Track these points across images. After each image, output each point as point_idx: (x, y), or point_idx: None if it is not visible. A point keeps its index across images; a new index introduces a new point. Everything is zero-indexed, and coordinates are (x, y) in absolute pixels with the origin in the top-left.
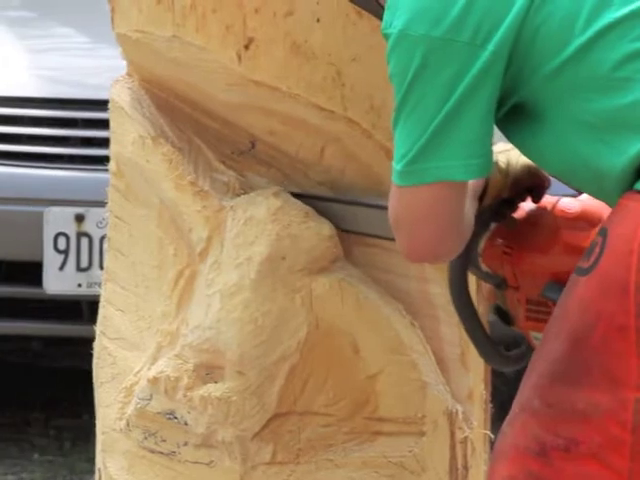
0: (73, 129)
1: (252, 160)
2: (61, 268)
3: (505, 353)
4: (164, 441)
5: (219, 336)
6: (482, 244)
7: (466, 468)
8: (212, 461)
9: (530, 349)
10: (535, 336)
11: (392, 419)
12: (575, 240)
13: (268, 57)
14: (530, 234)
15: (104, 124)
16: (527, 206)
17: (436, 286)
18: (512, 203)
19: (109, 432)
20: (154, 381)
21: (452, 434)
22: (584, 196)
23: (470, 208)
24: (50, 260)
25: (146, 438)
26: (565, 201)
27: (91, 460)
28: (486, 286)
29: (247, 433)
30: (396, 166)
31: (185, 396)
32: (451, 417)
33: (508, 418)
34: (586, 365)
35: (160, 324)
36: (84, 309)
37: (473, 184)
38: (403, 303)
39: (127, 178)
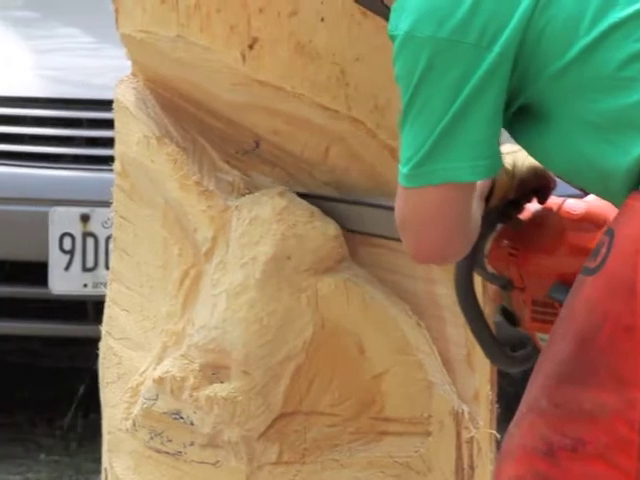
0: (78, 129)
1: (256, 160)
2: (67, 268)
3: (511, 354)
4: (170, 441)
5: (225, 336)
6: (488, 245)
7: (472, 468)
8: (218, 461)
9: (536, 350)
10: (541, 337)
11: (398, 419)
12: (580, 241)
13: (272, 57)
14: (536, 235)
15: (109, 124)
16: (533, 207)
17: (442, 287)
18: (518, 204)
19: (115, 432)
20: (160, 381)
21: (458, 434)
22: (590, 197)
23: (477, 209)
24: (56, 260)
25: (152, 438)
26: (571, 202)
27: (97, 460)
28: (492, 287)
29: (253, 433)
30: (403, 168)
31: (191, 396)
32: (457, 417)
33: (515, 418)
34: (593, 365)
35: (165, 324)
36: (90, 309)
37: (480, 185)
38: (409, 304)
39: (132, 178)
